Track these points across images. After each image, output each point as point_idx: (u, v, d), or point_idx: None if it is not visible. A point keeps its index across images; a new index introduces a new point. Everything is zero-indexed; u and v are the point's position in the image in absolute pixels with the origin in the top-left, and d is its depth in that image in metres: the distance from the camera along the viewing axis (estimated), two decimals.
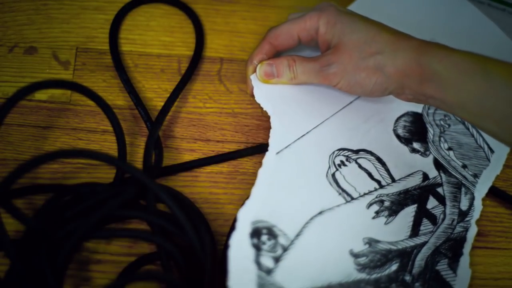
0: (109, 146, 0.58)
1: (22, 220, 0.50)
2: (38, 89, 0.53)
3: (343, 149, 0.58)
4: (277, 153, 0.56)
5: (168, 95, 0.60)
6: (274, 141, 0.56)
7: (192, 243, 0.50)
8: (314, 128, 0.58)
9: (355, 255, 0.53)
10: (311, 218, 0.54)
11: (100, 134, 0.58)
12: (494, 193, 0.60)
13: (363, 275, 0.52)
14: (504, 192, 0.60)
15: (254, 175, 0.58)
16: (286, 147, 0.56)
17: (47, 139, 0.57)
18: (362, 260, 0.53)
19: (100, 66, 0.61)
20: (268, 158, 0.55)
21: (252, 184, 0.57)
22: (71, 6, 0.63)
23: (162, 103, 0.59)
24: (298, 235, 0.53)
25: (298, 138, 0.57)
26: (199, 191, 0.57)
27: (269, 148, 0.56)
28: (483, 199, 0.59)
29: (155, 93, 0.61)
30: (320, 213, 0.54)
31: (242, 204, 0.52)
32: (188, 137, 0.59)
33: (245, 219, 0.51)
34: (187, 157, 0.58)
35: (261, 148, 0.58)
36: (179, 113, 0.60)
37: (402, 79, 0.52)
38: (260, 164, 0.58)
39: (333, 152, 0.57)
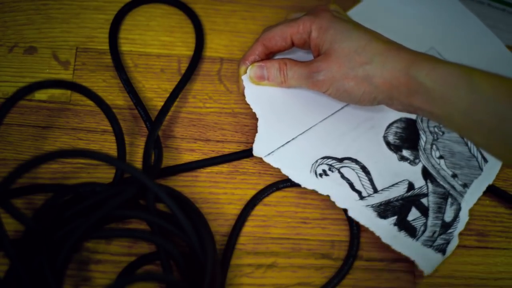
0: (109, 146, 0.58)
1: (21, 220, 0.50)
2: (38, 89, 0.53)
3: (327, 157, 0.57)
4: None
5: (168, 95, 0.60)
6: (258, 147, 0.56)
7: (192, 243, 0.50)
8: (300, 134, 0.58)
9: None
10: None
11: (100, 134, 0.58)
12: (494, 193, 0.59)
13: None
14: (504, 191, 0.60)
15: (254, 175, 0.58)
16: (269, 154, 0.56)
17: (47, 139, 0.57)
18: None
19: (100, 66, 0.61)
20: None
21: (253, 184, 0.58)
22: (71, 6, 0.63)
23: (162, 103, 0.59)
24: None
25: (282, 145, 0.57)
26: (199, 191, 0.57)
27: (253, 153, 0.56)
28: (482, 199, 0.58)
29: (155, 93, 0.61)
30: None
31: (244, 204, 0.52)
32: (188, 137, 0.59)
33: None
34: (187, 157, 0.58)
35: None
36: (179, 113, 0.60)
37: (390, 90, 0.52)
38: (260, 164, 0.58)
39: (316, 161, 0.57)
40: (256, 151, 0.56)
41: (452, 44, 0.63)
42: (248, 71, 0.57)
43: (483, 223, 0.58)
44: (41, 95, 0.59)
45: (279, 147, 0.57)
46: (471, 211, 0.58)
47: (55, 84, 0.56)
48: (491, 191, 0.59)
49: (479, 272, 0.56)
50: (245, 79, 0.58)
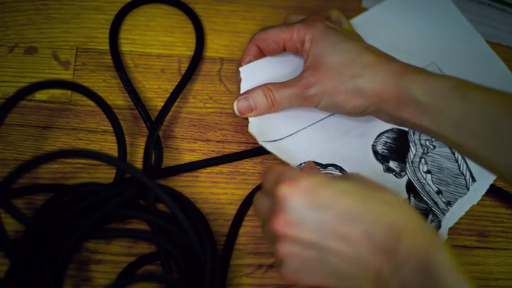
0: (109, 146, 0.58)
1: (22, 220, 0.50)
2: (38, 89, 0.53)
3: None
4: None
5: (168, 95, 0.60)
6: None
7: (192, 243, 0.50)
8: (287, 136, 0.57)
9: None
10: None
11: (100, 134, 0.58)
12: (494, 193, 0.59)
13: None
14: (505, 192, 0.59)
15: (254, 175, 0.58)
16: None
17: (47, 139, 0.57)
18: None
19: (100, 66, 0.61)
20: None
21: (253, 184, 0.58)
22: (71, 6, 0.63)
23: (162, 103, 0.59)
24: None
25: (267, 146, 0.56)
26: (200, 191, 0.57)
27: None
28: (483, 199, 0.58)
29: (155, 93, 0.61)
30: None
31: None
32: (188, 137, 0.59)
33: None
34: (187, 157, 0.58)
35: (263, 151, 0.58)
36: (179, 113, 0.60)
37: (380, 103, 0.52)
38: (261, 164, 0.58)
39: (300, 164, 0.57)
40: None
41: (454, 62, 0.62)
42: (234, 106, 0.57)
43: (484, 224, 0.58)
44: (42, 95, 0.59)
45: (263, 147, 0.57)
46: (471, 212, 0.58)
47: (55, 84, 0.56)
48: (492, 192, 0.59)
49: (479, 272, 0.56)
50: (241, 77, 0.57)
